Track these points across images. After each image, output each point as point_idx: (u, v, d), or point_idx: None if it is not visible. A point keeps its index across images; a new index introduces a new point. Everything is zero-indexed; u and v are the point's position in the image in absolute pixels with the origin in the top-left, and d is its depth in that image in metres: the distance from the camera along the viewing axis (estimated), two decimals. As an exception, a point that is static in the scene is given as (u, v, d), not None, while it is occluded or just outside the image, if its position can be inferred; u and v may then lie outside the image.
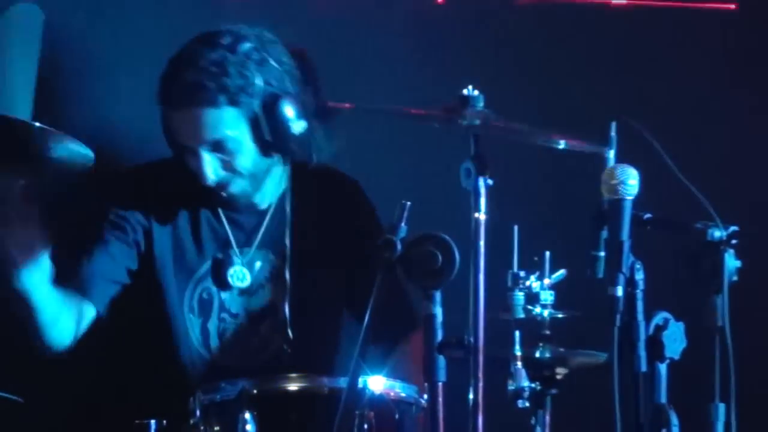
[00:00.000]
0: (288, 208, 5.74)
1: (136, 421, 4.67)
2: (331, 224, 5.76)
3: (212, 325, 5.63)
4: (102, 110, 6.41)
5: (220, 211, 5.70)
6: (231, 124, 5.47)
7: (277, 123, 5.47)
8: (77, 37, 6.51)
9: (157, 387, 5.42)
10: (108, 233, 5.62)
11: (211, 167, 5.45)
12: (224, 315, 5.64)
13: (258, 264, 5.67)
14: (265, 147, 5.52)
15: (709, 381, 4.24)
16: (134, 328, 5.70)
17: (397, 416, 4.65)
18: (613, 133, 4.38)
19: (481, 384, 4.10)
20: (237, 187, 5.55)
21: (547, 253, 4.57)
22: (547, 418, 4.61)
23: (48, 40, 6.10)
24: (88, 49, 6.55)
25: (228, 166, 5.48)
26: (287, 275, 5.63)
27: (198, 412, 4.61)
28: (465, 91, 4.42)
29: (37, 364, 5.57)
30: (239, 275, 5.53)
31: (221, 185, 5.52)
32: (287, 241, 5.69)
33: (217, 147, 5.44)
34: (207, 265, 5.64)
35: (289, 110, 5.50)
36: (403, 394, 4.67)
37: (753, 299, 4.81)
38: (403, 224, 4.21)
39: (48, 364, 5.57)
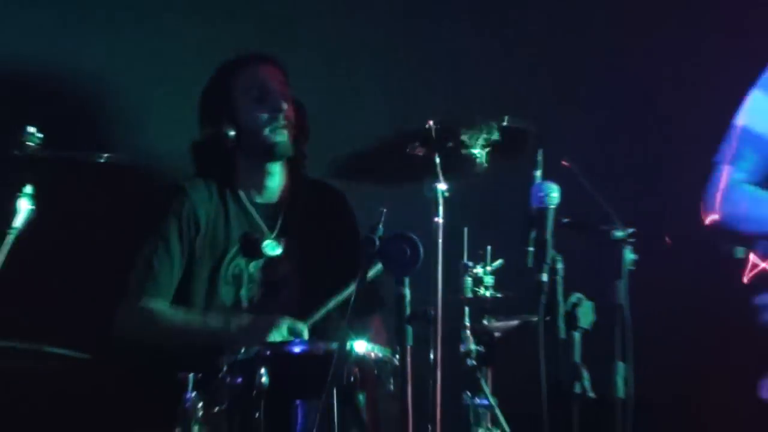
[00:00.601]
0: (296, 207, 5.81)
1: (179, 374, 4.67)
2: (326, 223, 5.83)
3: (243, 293, 5.70)
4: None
5: (245, 200, 5.75)
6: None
7: None
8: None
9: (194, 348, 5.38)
10: (172, 241, 5.66)
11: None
12: (252, 285, 5.70)
13: (279, 244, 5.72)
14: None
15: (612, 345, 4.46)
16: (179, 301, 5.70)
17: (375, 371, 4.73)
18: (539, 158, 4.55)
19: (439, 347, 4.27)
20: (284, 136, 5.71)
21: (489, 248, 4.83)
22: (489, 373, 4.79)
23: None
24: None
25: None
26: (298, 258, 5.72)
27: (225, 368, 4.70)
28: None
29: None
30: (272, 246, 5.65)
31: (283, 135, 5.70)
32: (296, 231, 5.77)
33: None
34: (236, 248, 5.70)
35: None
36: (380, 355, 4.76)
37: (644, 283, 4.64)
38: (380, 226, 4.39)
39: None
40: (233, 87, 5.76)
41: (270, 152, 5.71)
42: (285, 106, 5.70)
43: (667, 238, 5.47)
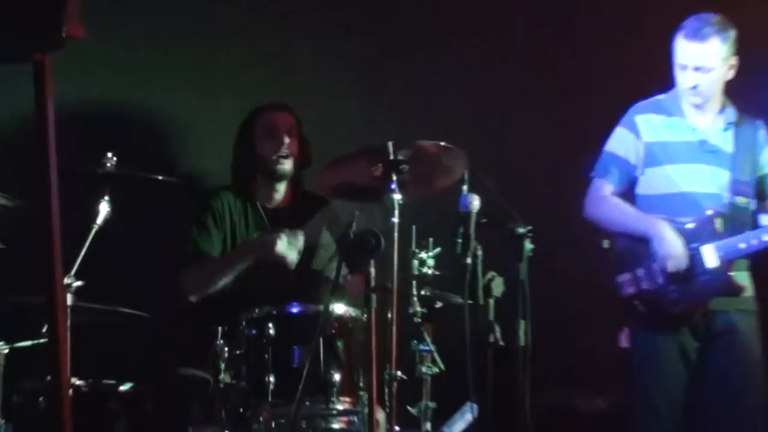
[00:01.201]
0: (293, 211, 5.94)
1: (211, 327, 5.02)
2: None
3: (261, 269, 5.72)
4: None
5: (259, 206, 5.89)
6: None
7: None
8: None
9: (223, 307, 5.49)
10: (210, 226, 5.80)
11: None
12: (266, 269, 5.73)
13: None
14: None
15: (516, 308, 4.83)
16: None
17: (350, 326, 5.06)
18: (466, 176, 4.81)
19: (395, 309, 4.59)
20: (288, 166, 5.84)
21: (431, 239, 5.07)
22: (430, 327, 5.07)
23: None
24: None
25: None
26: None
27: (244, 323, 5.02)
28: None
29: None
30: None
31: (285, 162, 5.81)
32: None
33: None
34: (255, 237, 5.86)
35: None
36: (353, 314, 5.06)
37: (539, 265, 4.95)
38: (354, 223, 4.73)
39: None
40: (255, 126, 5.89)
41: (274, 175, 5.86)
42: (287, 140, 5.80)
43: (605, 243, 5.55)
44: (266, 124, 5.87)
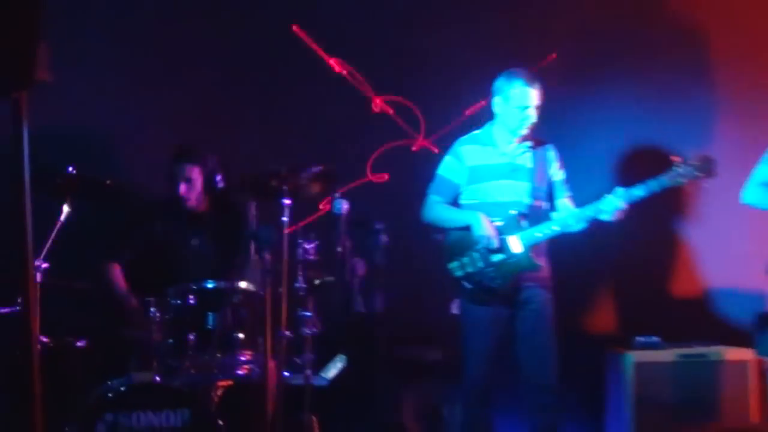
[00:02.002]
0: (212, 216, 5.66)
1: (146, 298, 5.00)
2: (228, 222, 5.64)
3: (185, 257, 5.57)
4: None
5: (188, 214, 5.62)
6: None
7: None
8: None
9: (155, 283, 5.23)
10: (131, 232, 5.65)
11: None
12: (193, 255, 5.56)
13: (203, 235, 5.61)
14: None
15: (374, 284, 5.01)
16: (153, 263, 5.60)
17: (251, 297, 5.01)
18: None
19: (284, 285, 4.78)
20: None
21: (312, 234, 5.02)
22: (312, 298, 5.00)
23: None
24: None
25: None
26: (212, 243, 5.61)
27: (171, 295, 4.97)
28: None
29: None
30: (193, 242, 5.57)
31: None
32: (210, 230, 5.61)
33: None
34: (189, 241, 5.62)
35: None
36: (253, 288, 5.01)
37: (393, 252, 5.15)
38: (255, 223, 4.90)
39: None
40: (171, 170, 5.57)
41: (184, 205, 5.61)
42: (182, 189, 5.52)
43: (439, 237, 5.45)
44: (171, 173, 5.62)
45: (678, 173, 5.13)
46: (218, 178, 5.53)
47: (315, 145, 6.15)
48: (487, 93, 5.49)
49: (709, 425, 5.73)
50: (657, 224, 6.35)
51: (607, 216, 5.18)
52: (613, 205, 5.13)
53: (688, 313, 6.43)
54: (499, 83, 5.34)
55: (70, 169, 4.91)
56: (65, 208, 4.92)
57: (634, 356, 5.88)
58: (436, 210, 5.39)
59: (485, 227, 5.24)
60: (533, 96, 5.28)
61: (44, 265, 4.74)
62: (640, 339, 6.01)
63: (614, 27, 6.47)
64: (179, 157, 5.54)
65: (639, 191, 5.14)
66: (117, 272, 5.56)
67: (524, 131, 5.34)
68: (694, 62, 6.52)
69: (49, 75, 3.02)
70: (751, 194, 5.53)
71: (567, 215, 5.30)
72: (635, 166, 6.13)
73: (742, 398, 5.88)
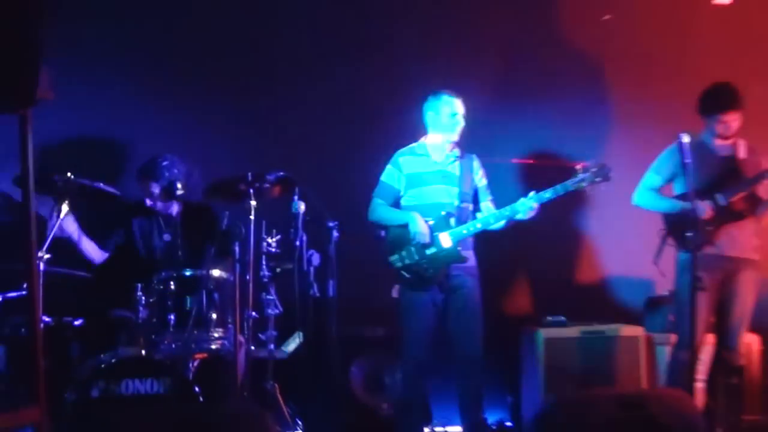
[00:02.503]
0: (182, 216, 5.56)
1: (135, 283, 4.94)
2: (198, 221, 5.53)
3: (159, 250, 5.52)
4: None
5: (159, 215, 5.53)
6: None
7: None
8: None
9: (142, 270, 5.22)
10: (114, 228, 5.53)
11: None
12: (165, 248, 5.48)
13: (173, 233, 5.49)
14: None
15: (327, 271, 5.02)
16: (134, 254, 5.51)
17: (223, 283, 5.00)
18: (297, 190, 4.97)
19: (251, 272, 4.75)
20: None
21: (274, 230, 5.10)
22: (274, 284, 5.15)
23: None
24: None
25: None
26: (181, 239, 5.47)
27: (155, 281, 4.97)
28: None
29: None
30: (165, 237, 5.48)
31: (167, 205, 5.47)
32: (180, 227, 5.49)
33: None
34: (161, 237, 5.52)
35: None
36: (225, 276, 5.01)
37: (343, 245, 5.09)
38: (225, 219, 4.93)
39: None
40: None
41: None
42: (159, 206, 5.51)
43: (381, 233, 5.38)
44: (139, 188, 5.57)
45: (580, 179, 5.17)
46: (178, 186, 5.37)
47: (278, 151, 6.07)
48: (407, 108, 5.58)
49: (606, 390, 5.61)
50: (564, 221, 6.38)
51: (521, 216, 5.22)
52: (526, 206, 5.16)
53: (589, 297, 6.49)
54: (429, 101, 5.37)
55: (69, 174, 4.86)
56: (64, 208, 4.91)
57: (544, 333, 5.89)
58: (380, 211, 5.39)
59: (420, 225, 5.25)
60: (459, 105, 5.32)
61: (46, 256, 4.70)
62: (549, 318, 6.03)
63: (528, 55, 6.51)
64: (139, 176, 5.49)
65: (547, 194, 5.16)
66: (93, 252, 5.46)
67: (456, 136, 5.35)
68: (593, 85, 6.57)
69: (51, 94, 3.06)
70: (640, 197, 5.65)
71: (489, 215, 5.30)
72: (545, 173, 6.05)
73: (634, 368, 5.90)
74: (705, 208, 5.29)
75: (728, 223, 5.36)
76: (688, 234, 5.05)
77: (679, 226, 5.34)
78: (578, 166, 5.19)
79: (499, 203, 5.39)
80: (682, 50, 6.53)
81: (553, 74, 6.46)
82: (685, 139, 4.97)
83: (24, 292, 4.47)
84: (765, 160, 5.52)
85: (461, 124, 5.34)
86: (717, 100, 5.41)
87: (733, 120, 5.39)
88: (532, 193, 5.17)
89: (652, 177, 5.58)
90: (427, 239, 5.18)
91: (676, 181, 5.57)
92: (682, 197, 5.42)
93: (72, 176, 4.84)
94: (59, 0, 5.27)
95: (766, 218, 5.51)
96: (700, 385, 5.42)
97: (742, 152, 5.49)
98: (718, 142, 5.46)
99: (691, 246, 5.04)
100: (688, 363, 5.08)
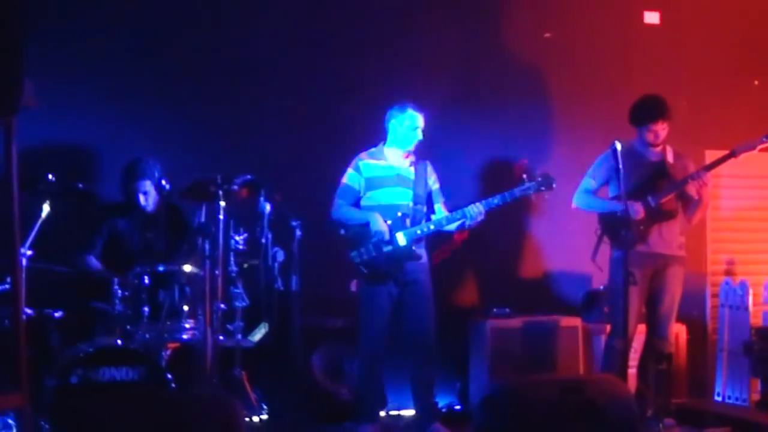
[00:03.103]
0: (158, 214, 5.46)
1: (113, 278, 4.92)
2: (170, 220, 5.45)
3: (137, 247, 5.43)
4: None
5: (139, 213, 5.42)
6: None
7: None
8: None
9: (117, 265, 5.17)
10: (100, 229, 5.44)
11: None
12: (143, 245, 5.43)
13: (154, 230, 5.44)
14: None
15: (291, 265, 5.02)
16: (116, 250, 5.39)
17: (194, 277, 4.96)
18: (262, 191, 4.94)
19: (221, 267, 4.73)
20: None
21: (241, 229, 5.10)
22: (242, 278, 5.13)
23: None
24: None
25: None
26: (158, 236, 5.44)
27: (130, 275, 4.93)
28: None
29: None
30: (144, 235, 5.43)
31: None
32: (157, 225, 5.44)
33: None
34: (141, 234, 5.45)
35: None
36: (195, 270, 4.95)
37: (306, 240, 5.12)
38: (199, 218, 4.87)
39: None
40: None
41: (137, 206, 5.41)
42: (142, 200, 5.40)
43: (341, 231, 5.33)
44: (128, 189, 5.46)
45: (526, 187, 5.25)
46: (164, 181, 5.34)
47: (246, 155, 6.00)
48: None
49: (548, 375, 5.73)
50: (510, 222, 6.36)
51: (469, 221, 5.28)
52: (475, 211, 5.22)
53: (532, 290, 6.52)
54: (394, 111, 5.38)
55: (50, 176, 4.82)
56: (45, 207, 4.85)
57: (490, 323, 5.92)
58: (342, 211, 5.39)
59: (380, 224, 5.29)
60: (420, 120, 5.35)
61: (29, 253, 4.67)
62: (495, 310, 6.08)
63: (479, 70, 6.53)
64: (133, 176, 5.38)
65: (495, 200, 5.23)
66: (93, 260, 5.43)
67: (412, 147, 5.38)
68: (537, 97, 6.61)
69: (35, 101, 3.05)
70: (578, 199, 5.72)
71: (441, 218, 5.34)
72: (494, 179, 6.14)
73: (573, 356, 5.97)
74: (638, 209, 5.33)
75: (658, 222, 5.41)
76: (623, 233, 5.10)
77: (613, 226, 5.38)
78: (524, 175, 5.24)
79: (453, 207, 5.41)
80: (616, 65, 6.63)
81: (505, 87, 6.52)
82: (618, 146, 5.04)
83: (8, 286, 4.40)
84: (691, 164, 5.60)
85: (419, 138, 5.36)
86: (647, 110, 5.47)
87: (661, 129, 5.45)
88: (481, 201, 5.25)
89: (588, 181, 5.63)
90: (387, 237, 5.20)
91: (610, 185, 5.61)
92: (616, 199, 5.45)
93: (53, 178, 4.84)
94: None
95: (696, 216, 5.58)
96: (632, 371, 5.47)
97: (670, 157, 5.56)
98: (649, 149, 5.51)
99: (624, 244, 5.09)
100: (622, 351, 5.10)
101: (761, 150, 5.45)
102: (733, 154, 5.40)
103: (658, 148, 5.54)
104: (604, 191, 5.68)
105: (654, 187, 5.43)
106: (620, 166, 4.94)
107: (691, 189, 5.42)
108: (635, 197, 5.37)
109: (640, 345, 5.63)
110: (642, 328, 5.60)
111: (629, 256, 5.00)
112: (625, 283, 4.97)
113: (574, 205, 5.68)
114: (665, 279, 5.49)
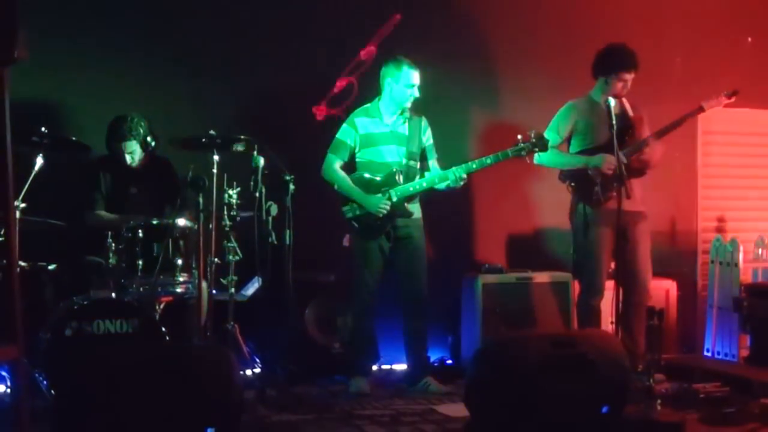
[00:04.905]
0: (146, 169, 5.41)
1: (107, 241, 4.87)
2: (160, 174, 5.44)
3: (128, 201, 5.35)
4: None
5: (127, 168, 5.33)
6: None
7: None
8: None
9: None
10: (96, 184, 5.38)
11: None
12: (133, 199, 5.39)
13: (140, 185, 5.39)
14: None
15: (285, 221, 4.92)
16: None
17: (187, 231, 4.96)
18: (257, 146, 4.88)
19: (213, 221, 4.74)
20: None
21: (235, 182, 4.97)
22: (234, 233, 5.03)
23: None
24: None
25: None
26: (146, 190, 5.39)
27: (124, 229, 4.91)
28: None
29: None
30: (131, 189, 5.39)
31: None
32: (145, 180, 5.41)
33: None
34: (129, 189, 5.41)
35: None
36: (189, 224, 4.96)
37: (298, 197, 5.00)
38: (191, 172, 4.78)
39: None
40: None
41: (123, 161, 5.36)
42: (128, 159, 5.34)
43: (335, 187, 5.34)
44: (114, 148, 5.41)
45: (521, 147, 5.21)
46: (149, 139, 5.33)
47: (241, 114, 5.98)
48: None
49: (539, 330, 5.78)
50: (503, 181, 6.36)
51: (454, 183, 5.24)
52: (461, 171, 5.20)
53: (525, 247, 6.57)
54: (389, 68, 5.32)
55: (43, 128, 4.79)
56: (39, 160, 4.83)
57: (482, 279, 5.95)
58: (333, 175, 5.39)
59: (373, 206, 5.29)
60: (416, 77, 5.29)
61: (22, 205, 4.65)
62: (488, 266, 6.10)
63: (468, 32, 6.50)
64: (117, 135, 5.33)
65: (488, 161, 5.22)
66: (102, 213, 5.41)
67: (408, 104, 5.33)
68: (532, 56, 6.58)
69: (26, 53, 3.01)
70: (544, 156, 5.50)
71: (433, 175, 5.34)
72: (488, 140, 6.19)
73: (564, 311, 5.98)
74: (612, 164, 5.20)
75: (629, 178, 5.20)
76: (596, 189, 5.14)
77: (582, 182, 5.40)
78: (519, 136, 5.21)
79: (446, 166, 5.40)
80: (610, 23, 6.53)
81: (499, 49, 6.55)
82: (612, 102, 5.05)
83: (1, 239, 4.37)
84: (645, 115, 5.57)
85: (415, 96, 5.32)
86: (620, 59, 5.38)
87: (631, 78, 5.39)
88: (474, 161, 5.27)
89: (552, 136, 5.48)
90: (381, 214, 5.23)
91: (573, 139, 5.57)
92: (580, 154, 5.45)
93: (45, 130, 4.80)
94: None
95: (653, 155, 5.49)
96: (610, 327, 5.41)
97: (629, 109, 5.50)
98: (610, 101, 5.18)
99: (596, 200, 5.15)
100: (597, 308, 5.28)
101: (725, 105, 5.52)
102: (701, 109, 5.43)
103: (618, 100, 5.37)
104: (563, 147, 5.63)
105: (622, 142, 5.28)
106: (592, 120, 5.15)
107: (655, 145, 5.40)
108: (604, 152, 5.33)
109: (609, 302, 5.35)
110: (610, 284, 5.42)
111: (600, 212, 5.06)
112: (599, 241, 5.10)
113: (535, 162, 5.52)
114: (634, 235, 5.45)
